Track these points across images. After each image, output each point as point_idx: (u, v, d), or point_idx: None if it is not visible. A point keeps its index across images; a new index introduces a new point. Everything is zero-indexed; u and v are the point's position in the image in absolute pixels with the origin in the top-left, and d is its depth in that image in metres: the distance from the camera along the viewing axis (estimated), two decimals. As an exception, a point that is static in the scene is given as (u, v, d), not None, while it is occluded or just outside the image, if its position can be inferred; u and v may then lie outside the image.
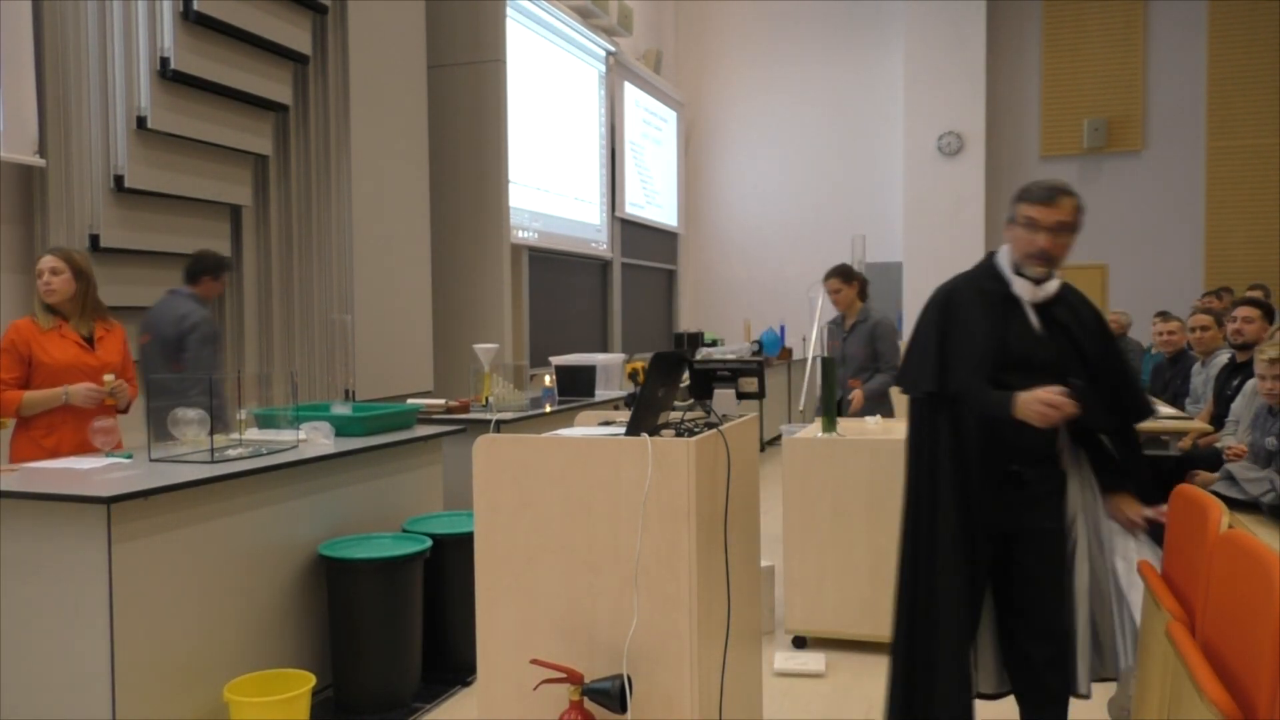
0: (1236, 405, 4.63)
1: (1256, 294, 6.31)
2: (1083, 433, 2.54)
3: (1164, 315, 6.51)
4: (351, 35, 5.49)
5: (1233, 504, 2.69)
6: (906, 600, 2.54)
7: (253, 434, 3.73)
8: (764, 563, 4.09)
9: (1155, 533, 2.55)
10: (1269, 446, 3.69)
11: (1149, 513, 2.47)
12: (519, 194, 7.79)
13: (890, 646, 2.59)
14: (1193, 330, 5.76)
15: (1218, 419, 4.94)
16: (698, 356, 2.91)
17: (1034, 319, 2.50)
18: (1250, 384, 4.35)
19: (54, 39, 4.20)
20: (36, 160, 4.11)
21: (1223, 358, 5.34)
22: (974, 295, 2.54)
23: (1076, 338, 2.48)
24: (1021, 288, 2.51)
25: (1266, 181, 10.83)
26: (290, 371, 4.98)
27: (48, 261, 3.49)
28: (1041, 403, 2.33)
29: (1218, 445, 4.55)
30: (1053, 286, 2.51)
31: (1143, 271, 11.29)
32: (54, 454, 3.42)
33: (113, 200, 4.32)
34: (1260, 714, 1.66)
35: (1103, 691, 3.45)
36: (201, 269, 4.25)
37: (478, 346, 5.18)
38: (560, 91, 8.98)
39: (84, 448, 3.49)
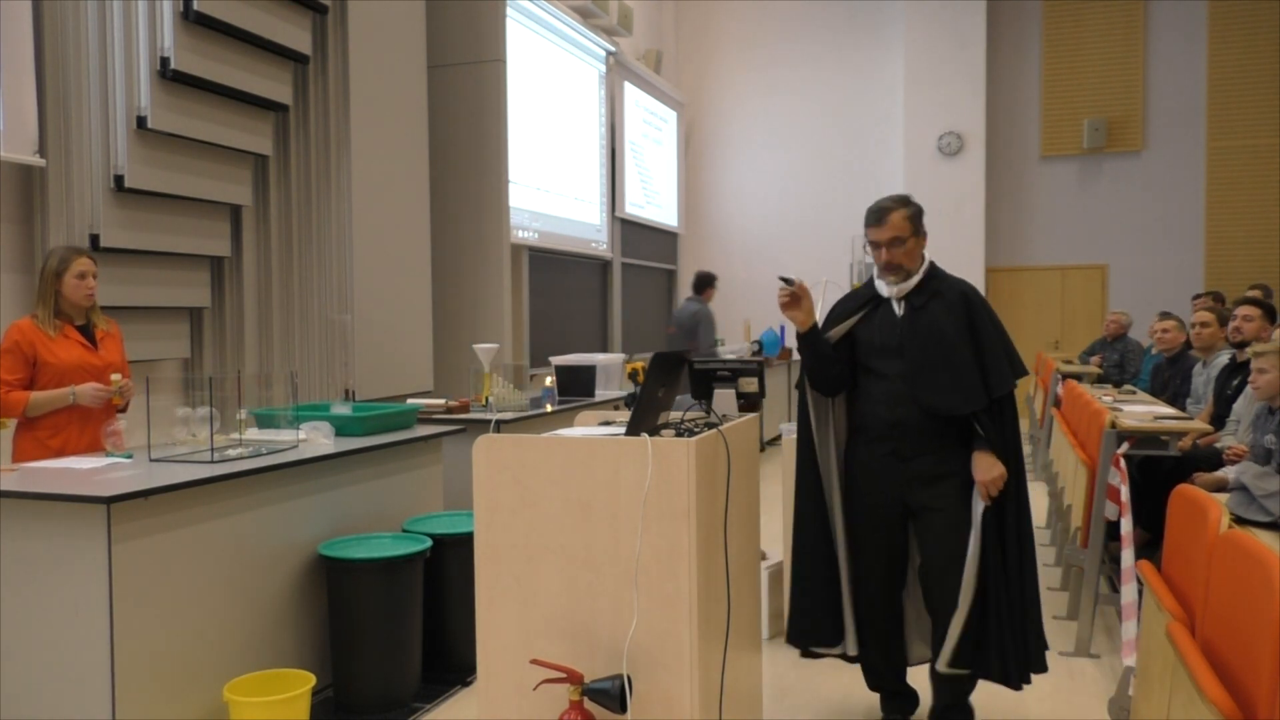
0: (1238, 405, 4.63)
1: (1256, 294, 6.31)
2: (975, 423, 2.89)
3: (1165, 315, 6.51)
4: (351, 35, 5.48)
5: (1242, 521, 2.66)
6: (794, 544, 3.12)
7: (253, 434, 3.73)
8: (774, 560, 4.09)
9: (1156, 531, 2.54)
10: (1268, 445, 3.69)
11: (995, 475, 2.81)
12: (519, 194, 7.79)
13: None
14: (1194, 326, 5.76)
15: (1218, 419, 4.94)
16: (697, 357, 2.92)
17: (897, 309, 2.93)
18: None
19: (54, 39, 4.20)
20: (36, 160, 4.11)
21: (1223, 358, 5.34)
22: (848, 299, 3.07)
23: (937, 317, 2.86)
24: (882, 287, 2.97)
25: (1266, 181, 10.84)
26: (290, 371, 4.98)
27: (88, 264, 3.52)
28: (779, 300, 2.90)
29: (1218, 445, 4.55)
30: (912, 282, 2.92)
31: (1143, 271, 11.29)
32: (60, 454, 3.42)
33: (113, 200, 4.32)
34: (1260, 714, 1.66)
35: (1104, 692, 3.45)
36: (705, 283, 8.40)
37: (478, 346, 5.17)
38: (560, 91, 8.98)
39: (89, 448, 3.49)
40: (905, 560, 3.05)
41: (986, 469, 2.81)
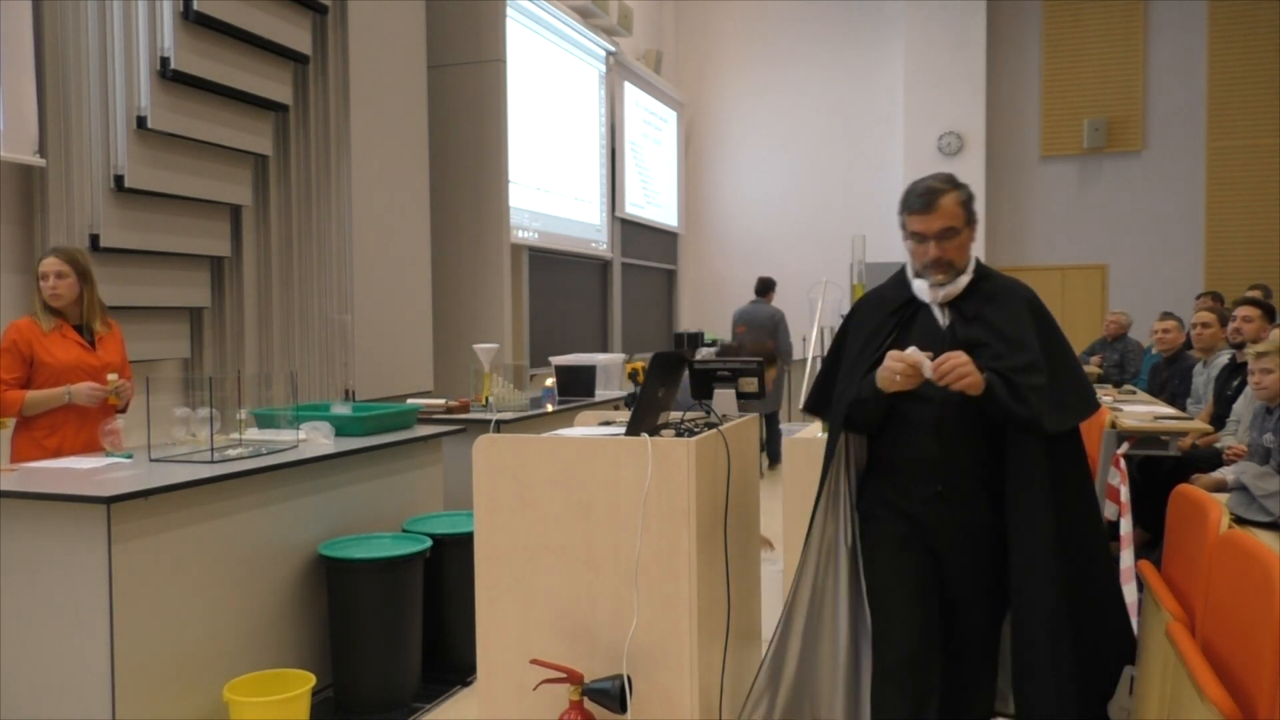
0: (1238, 405, 4.63)
1: (1256, 294, 6.31)
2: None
3: (1166, 315, 6.51)
4: (351, 35, 5.48)
5: (1242, 521, 2.66)
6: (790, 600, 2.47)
7: (253, 434, 3.73)
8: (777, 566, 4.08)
9: (1156, 528, 2.54)
10: (1267, 444, 3.69)
11: (960, 362, 2.16)
12: (519, 194, 7.78)
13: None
14: (1194, 327, 5.76)
15: (1218, 419, 4.94)
16: (697, 356, 2.91)
17: (940, 317, 2.33)
18: (1250, 384, 4.35)
19: (54, 39, 4.20)
20: (36, 160, 4.11)
21: (1223, 358, 5.34)
22: (875, 304, 2.45)
23: (995, 326, 2.27)
24: (922, 290, 2.35)
25: (1266, 181, 10.83)
26: (290, 371, 4.97)
27: (51, 264, 3.47)
28: (884, 365, 2.21)
29: (1218, 445, 4.55)
30: (961, 283, 2.32)
31: (1143, 271, 11.28)
32: (56, 454, 3.42)
33: (113, 200, 4.32)
34: (1260, 714, 1.66)
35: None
36: (768, 286, 8.95)
37: (478, 346, 5.17)
38: (560, 91, 8.97)
39: (86, 448, 3.48)
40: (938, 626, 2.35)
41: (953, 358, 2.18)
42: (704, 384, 2.83)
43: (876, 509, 2.38)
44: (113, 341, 3.67)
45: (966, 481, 2.28)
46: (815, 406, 2.50)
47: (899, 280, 2.43)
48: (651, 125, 11.47)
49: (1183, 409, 5.66)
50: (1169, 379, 6.28)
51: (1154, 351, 7.89)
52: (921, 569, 2.31)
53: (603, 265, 10.20)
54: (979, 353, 2.21)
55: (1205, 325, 5.66)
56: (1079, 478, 2.28)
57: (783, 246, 12.37)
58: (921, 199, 2.29)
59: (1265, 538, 2.18)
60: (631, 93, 10.73)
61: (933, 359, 2.19)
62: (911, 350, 2.17)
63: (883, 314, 2.40)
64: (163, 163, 4.49)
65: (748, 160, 12.71)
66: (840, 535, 2.43)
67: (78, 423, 3.49)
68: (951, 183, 2.31)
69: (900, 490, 2.34)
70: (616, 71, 10.28)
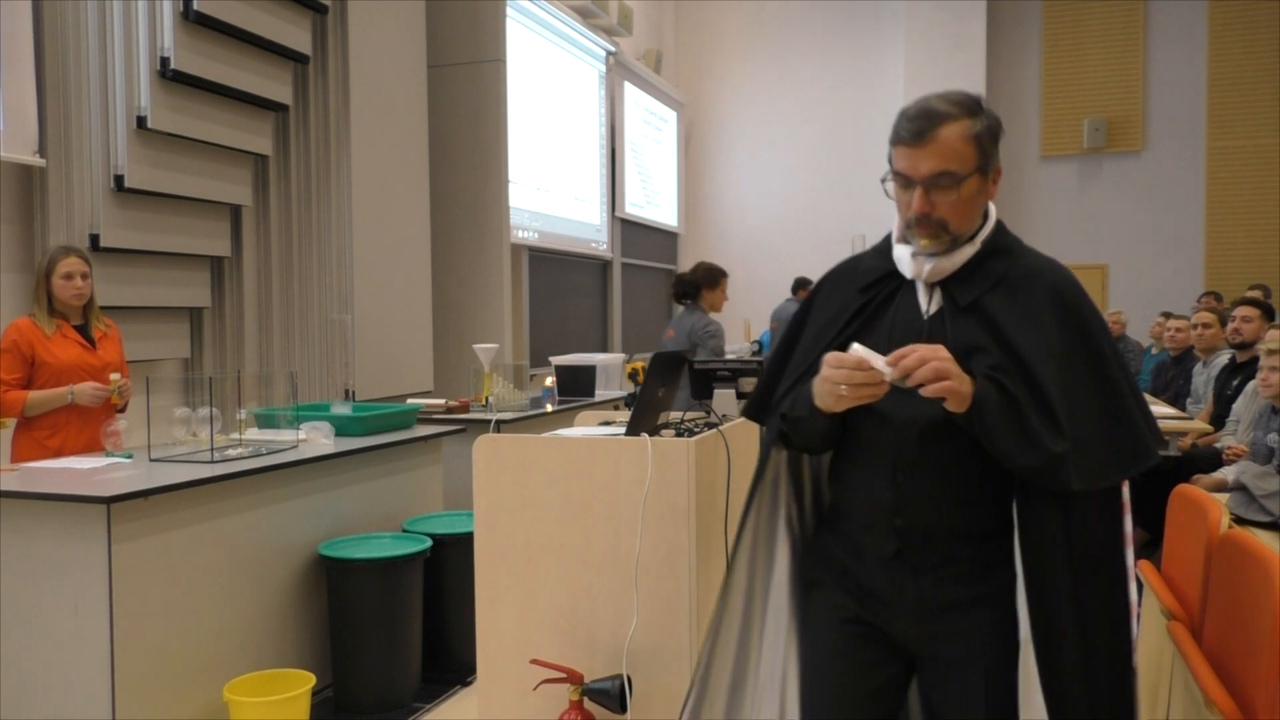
0: (1238, 405, 4.63)
1: (1256, 294, 6.31)
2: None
3: (1168, 315, 6.51)
4: (351, 35, 5.48)
5: (1242, 521, 2.66)
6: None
7: (253, 434, 3.73)
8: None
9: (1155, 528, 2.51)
10: (1270, 444, 3.69)
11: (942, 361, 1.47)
12: (519, 194, 7.78)
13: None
14: (1195, 327, 5.77)
15: (1218, 419, 4.94)
16: (698, 357, 2.91)
17: (926, 302, 1.61)
18: (1252, 384, 4.35)
19: (54, 39, 4.20)
20: (36, 160, 4.11)
21: (1223, 358, 5.34)
22: (845, 277, 1.73)
23: (996, 324, 1.53)
24: (905, 260, 1.62)
25: (1266, 181, 10.83)
26: (290, 371, 4.98)
27: (76, 264, 3.49)
28: (821, 374, 1.54)
29: (1218, 445, 4.55)
30: (961, 256, 1.58)
31: (1143, 271, 11.28)
32: (58, 454, 3.42)
33: (113, 200, 4.32)
34: (1260, 714, 1.66)
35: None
36: (801, 284, 7.62)
37: (478, 346, 5.17)
38: (560, 91, 8.97)
39: (88, 448, 3.49)
40: None
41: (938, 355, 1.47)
42: (704, 384, 2.83)
43: (821, 573, 1.70)
44: (112, 341, 3.67)
45: (941, 542, 1.58)
46: (755, 412, 1.79)
47: (883, 246, 1.72)
48: (651, 125, 11.47)
49: (1184, 409, 5.66)
50: (1174, 378, 6.28)
51: (1154, 351, 7.90)
52: (872, 672, 1.63)
53: (603, 265, 10.20)
54: (968, 362, 1.51)
55: (1206, 325, 5.66)
56: (1111, 563, 1.56)
57: (783, 246, 12.37)
58: (912, 124, 1.57)
59: (1265, 538, 2.18)
60: (631, 93, 10.73)
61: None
62: (855, 349, 1.48)
63: (850, 291, 1.69)
64: (163, 163, 4.49)
65: (748, 160, 12.71)
66: (766, 605, 1.77)
67: (79, 423, 3.50)
68: (962, 107, 1.57)
69: (851, 549, 1.66)
70: (616, 71, 10.28)
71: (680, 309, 5.06)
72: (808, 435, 1.66)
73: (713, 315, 4.99)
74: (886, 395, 1.50)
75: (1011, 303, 1.55)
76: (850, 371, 1.48)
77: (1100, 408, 1.51)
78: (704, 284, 4.95)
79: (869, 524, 1.62)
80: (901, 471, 1.58)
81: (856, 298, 1.68)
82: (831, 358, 1.52)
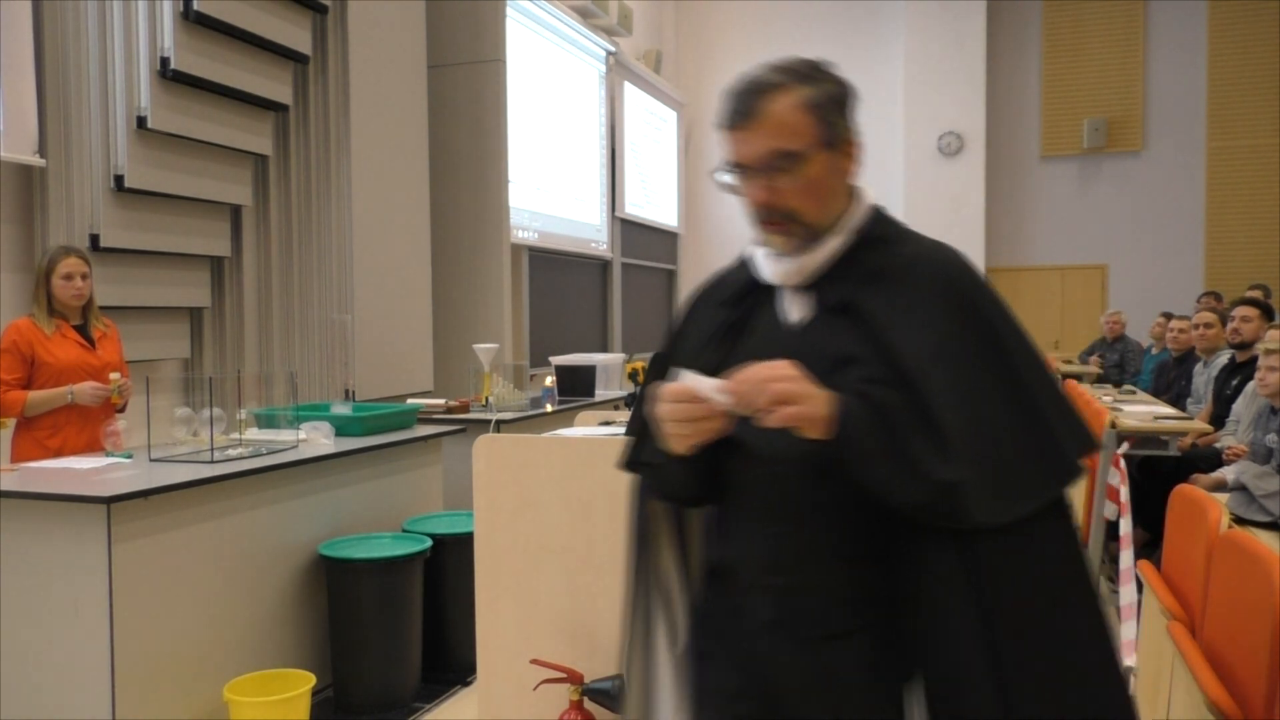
0: (1238, 405, 4.63)
1: (1256, 294, 6.31)
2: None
3: (1169, 315, 6.51)
4: (351, 35, 5.48)
5: (1242, 521, 2.66)
6: None
7: (253, 434, 3.73)
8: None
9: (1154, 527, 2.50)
10: (1270, 444, 3.69)
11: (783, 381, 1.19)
12: (519, 194, 7.78)
13: None
14: (1196, 327, 5.77)
15: (1217, 419, 4.94)
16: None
17: (791, 310, 1.34)
18: (1251, 384, 4.35)
19: (54, 39, 4.20)
20: (36, 160, 4.11)
21: (1223, 358, 5.34)
22: (712, 293, 1.47)
23: (875, 324, 1.25)
24: (766, 265, 1.36)
25: (1266, 181, 10.83)
26: (290, 371, 4.98)
27: (77, 265, 3.50)
28: (659, 411, 1.27)
29: (1217, 445, 4.55)
30: (824, 251, 1.31)
31: (1143, 271, 11.28)
32: (59, 454, 3.43)
33: (113, 200, 4.32)
34: (1260, 714, 1.66)
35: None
36: None
37: (478, 346, 5.17)
38: (560, 91, 8.97)
39: (88, 448, 3.49)
40: None
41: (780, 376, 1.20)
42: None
43: (712, 644, 1.39)
44: (111, 341, 3.67)
45: (825, 607, 1.27)
46: (626, 461, 1.48)
47: (746, 253, 1.45)
48: (651, 125, 11.47)
49: (1184, 409, 5.66)
50: (1176, 378, 6.28)
51: (1154, 351, 7.90)
52: None
53: (603, 265, 10.20)
54: (845, 373, 1.23)
55: (1207, 325, 5.66)
56: (1059, 617, 1.20)
57: (783, 246, 12.37)
58: (735, 103, 1.29)
59: (1265, 538, 2.19)
60: (631, 93, 10.73)
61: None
62: (684, 377, 1.24)
63: (715, 307, 1.43)
64: (163, 163, 4.49)
65: (748, 160, 12.70)
66: (659, 675, 1.49)
67: (80, 422, 3.50)
68: (792, 73, 1.29)
69: (730, 613, 1.36)
70: (616, 71, 10.27)
71: None
72: (671, 484, 1.40)
73: None
74: (755, 427, 1.20)
75: (892, 299, 1.25)
76: (677, 406, 1.23)
77: (1008, 415, 1.20)
78: None
79: (749, 585, 1.31)
80: (776, 520, 1.29)
81: (720, 314, 1.41)
82: (665, 390, 1.25)
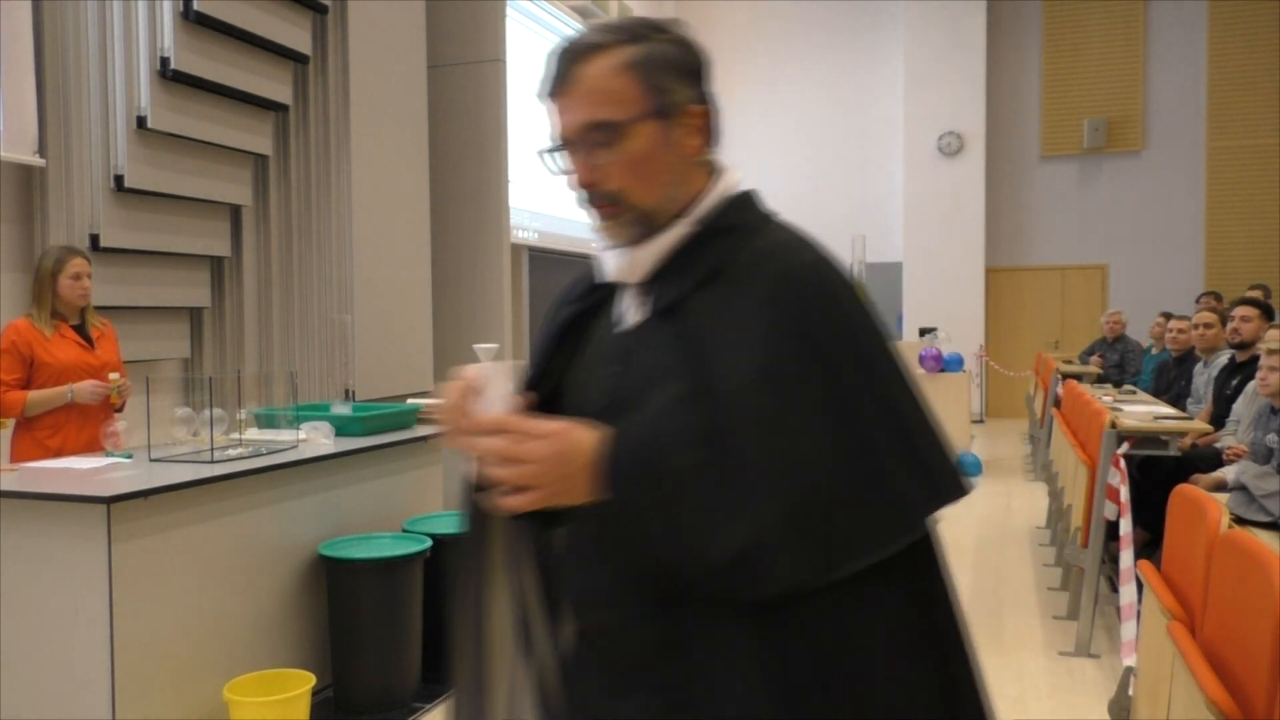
0: (1238, 406, 4.63)
1: (1256, 294, 6.31)
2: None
3: (1168, 315, 6.51)
4: (351, 35, 5.48)
5: (1242, 521, 2.66)
6: None
7: (253, 434, 3.73)
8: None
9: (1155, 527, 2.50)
10: (1270, 444, 3.69)
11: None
12: (519, 194, 7.78)
13: None
14: (1196, 327, 5.77)
15: (1217, 419, 4.94)
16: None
17: (629, 311, 1.13)
18: (1251, 384, 4.35)
19: (54, 39, 4.20)
20: (36, 160, 4.11)
21: (1223, 358, 5.34)
22: (571, 287, 1.31)
23: (704, 337, 1.03)
24: (608, 260, 1.17)
25: (1266, 181, 10.83)
26: (290, 371, 4.97)
27: (83, 265, 3.52)
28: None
29: (1218, 445, 4.55)
30: (663, 243, 1.09)
31: (1143, 271, 11.29)
32: (59, 454, 3.42)
33: (113, 200, 4.32)
34: (1260, 714, 1.66)
35: (1103, 692, 3.45)
36: None
37: (478, 346, 5.15)
38: (560, 91, 8.98)
39: (89, 447, 3.49)
40: None
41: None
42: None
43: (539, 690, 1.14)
44: (109, 341, 3.68)
45: (636, 655, 1.03)
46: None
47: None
48: (651, 125, 11.48)
49: (1184, 409, 5.66)
50: (1176, 378, 6.27)
51: (1154, 351, 7.90)
52: None
53: (603, 265, 10.22)
54: (657, 393, 1.02)
55: (1207, 325, 5.66)
56: (898, 701, 0.99)
57: (783, 246, 12.37)
58: (552, 67, 1.13)
59: (1265, 538, 2.19)
60: (631, 93, 10.75)
61: (605, 403, 1.06)
62: (475, 368, 1.08)
63: (562, 306, 1.26)
64: (163, 163, 4.49)
65: (747, 160, 12.70)
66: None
67: (80, 422, 3.50)
68: (616, 31, 1.12)
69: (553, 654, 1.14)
70: (616, 71, 10.29)
71: None
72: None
73: None
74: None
75: (723, 304, 1.03)
76: (443, 409, 1.04)
77: (833, 455, 0.95)
78: None
79: (559, 621, 1.11)
80: (573, 547, 1.09)
81: (563, 314, 1.22)
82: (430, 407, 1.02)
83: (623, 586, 1.03)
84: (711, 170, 1.15)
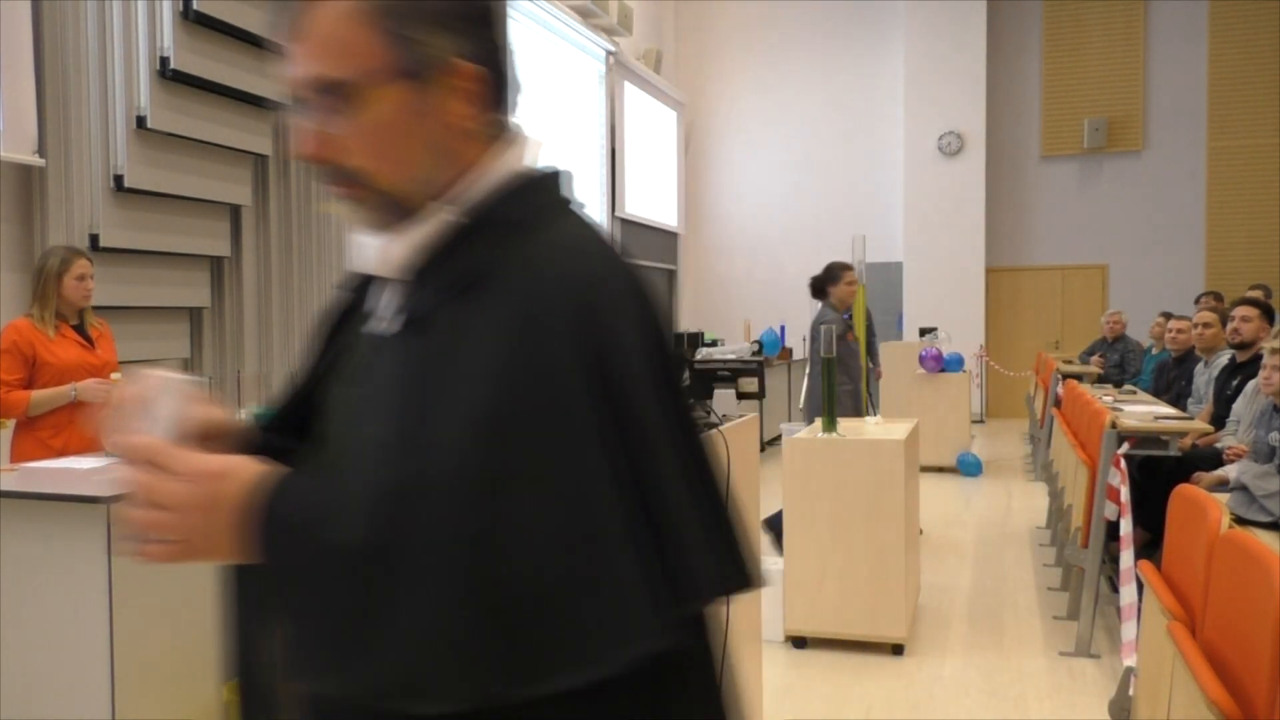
0: (1238, 405, 4.63)
1: (1256, 294, 6.31)
2: None
3: (1168, 315, 6.51)
4: (351, 35, 5.49)
5: (1242, 521, 2.66)
6: None
7: (253, 434, 3.73)
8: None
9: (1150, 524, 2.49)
10: (1272, 442, 3.69)
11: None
12: (519, 194, 7.79)
13: None
14: (1196, 327, 5.77)
15: (1218, 419, 4.94)
16: (698, 356, 2.91)
17: (388, 311, 0.90)
18: (1252, 384, 4.35)
19: (54, 39, 4.20)
20: (36, 160, 4.11)
21: (1224, 358, 5.34)
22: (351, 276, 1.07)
23: (433, 366, 0.80)
24: (366, 246, 0.94)
25: (1266, 181, 10.84)
26: (290, 371, 4.98)
27: (86, 265, 3.53)
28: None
29: (1218, 445, 4.55)
30: (414, 236, 0.87)
31: (1143, 271, 11.29)
32: (62, 454, 3.42)
33: (112, 200, 4.32)
34: (1260, 714, 1.66)
35: (1104, 692, 3.45)
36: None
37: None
38: (560, 91, 8.97)
39: (93, 447, 3.49)
40: None
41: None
42: (704, 384, 2.84)
43: None
44: (107, 340, 3.68)
45: None
46: None
47: None
48: (651, 125, 11.47)
49: (1184, 409, 5.66)
50: (1176, 379, 6.27)
51: (1155, 351, 7.91)
52: None
53: (603, 265, 10.22)
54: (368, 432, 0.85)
55: (1207, 325, 5.66)
56: None
57: (783, 247, 12.38)
58: (277, 11, 0.88)
59: (1265, 538, 2.19)
60: (631, 92, 10.73)
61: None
62: (148, 378, 0.88)
63: (338, 295, 1.04)
64: (162, 163, 4.49)
65: (748, 160, 12.71)
66: None
67: (82, 422, 3.50)
68: None
69: None
70: (616, 71, 10.27)
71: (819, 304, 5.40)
72: None
73: (838, 305, 5.21)
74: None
75: (473, 324, 0.79)
76: (108, 418, 0.86)
77: (544, 538, 0.73)
78: (826, 281, 5.24)
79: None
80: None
81: (338, 305, 1.01)
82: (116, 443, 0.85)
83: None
84: (492, 143, 0.91)
